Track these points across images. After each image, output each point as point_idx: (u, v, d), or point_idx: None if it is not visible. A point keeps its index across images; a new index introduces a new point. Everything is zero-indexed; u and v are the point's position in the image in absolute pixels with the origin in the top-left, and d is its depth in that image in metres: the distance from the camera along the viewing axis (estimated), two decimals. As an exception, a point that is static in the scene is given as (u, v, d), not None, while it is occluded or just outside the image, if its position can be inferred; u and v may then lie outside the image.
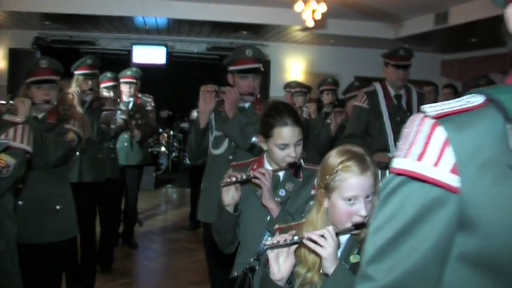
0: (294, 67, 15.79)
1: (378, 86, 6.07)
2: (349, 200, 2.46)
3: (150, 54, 14.48)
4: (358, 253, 2.49)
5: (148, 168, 12.14)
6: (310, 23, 10.73)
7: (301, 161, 3.44)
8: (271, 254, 2.38)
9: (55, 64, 4.71)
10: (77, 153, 5.95)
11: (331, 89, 7.92)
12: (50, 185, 4.50)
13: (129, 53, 14.42)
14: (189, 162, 14.15)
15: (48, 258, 4.45)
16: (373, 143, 5.62)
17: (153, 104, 8.84)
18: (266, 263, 2.46)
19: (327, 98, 7.94)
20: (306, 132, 6.69)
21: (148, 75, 13.93)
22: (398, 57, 5.93)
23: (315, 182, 2.78)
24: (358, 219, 2.46)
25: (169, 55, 14.62)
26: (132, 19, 12.83)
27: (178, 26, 13.68)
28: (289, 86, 8.91)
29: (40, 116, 4.61)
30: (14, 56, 13.31)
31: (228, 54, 13.28)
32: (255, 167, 3.42)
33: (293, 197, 3.17)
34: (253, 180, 3.23)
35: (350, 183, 2.44)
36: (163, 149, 14.19)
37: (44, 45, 13.80)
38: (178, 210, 10.70)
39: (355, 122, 5.95)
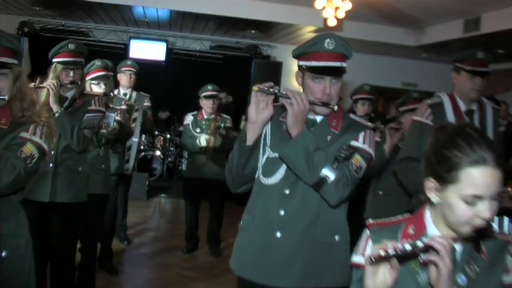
0: (301, 72, 14.30)
1: (444, 98, 4.55)
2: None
3: (148, 50, 13.39)
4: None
5: (141, 174, 10.68)
6: (332, 22, 9.31)
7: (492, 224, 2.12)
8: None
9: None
10: (50, 164, 4.43)
11: (368, 98, 6.58)
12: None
13: (126, 47, 13.36)
14: (185, 168, 12.85)
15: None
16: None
17: (149, 103, 7.58)
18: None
19: (362, 109, 6.47)
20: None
21: (145, 72, 12.99)
22: (476, 61, 4.42)
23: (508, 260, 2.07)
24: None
25: (169, 52, 13.52)
26: (130, 9, 11.48)
27: (181, 21, 12.32)
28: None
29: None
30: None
31: (233, 54, 12.43)
32: (411, 231, 2.11)
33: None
34: (425, 258, 1.96)
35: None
36: (158, 153, 12.66)
37: (31, 32, 12.36)
38: (172, 225, 9.14)
39: (414, 142, 4.38)
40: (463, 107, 4.47)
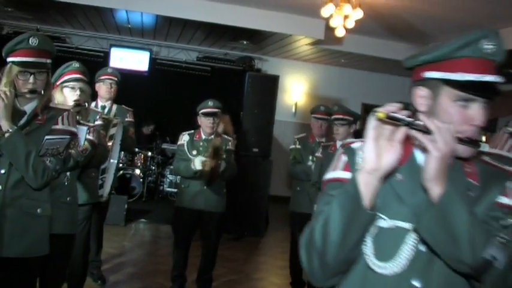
0: (294, 87, 13.38)
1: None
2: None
3: (130, 59, 12.58)
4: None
5: (118, 197, 9.30)
6: (340, 32, 8.11)
7: None
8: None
9: None
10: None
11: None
12: None
13: (106, 55, 12.47)
14: (168, 188, 11.53)
15: None
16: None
17: (131, 119, 6.50)
18: None
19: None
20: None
21: (126, 83, 11.83)
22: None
23: None
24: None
25: (152, 62, 12.67)
26: (113, 13, 10.43)
27: (167, 28, 11.33)
28: (318, 111, 6.32)
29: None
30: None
31: (222, 66, 11.29)
32: None
33: None
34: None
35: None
36: (137, 171, 11.30)
37: (2, 37, 11.12)
38: (153, 257, 7.72)
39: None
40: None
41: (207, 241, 6.17)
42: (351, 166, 1.86)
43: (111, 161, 5.43)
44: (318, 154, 5.67)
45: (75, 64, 4.40)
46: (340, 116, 5.48)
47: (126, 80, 12.00)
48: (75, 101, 4.18)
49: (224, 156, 5.85)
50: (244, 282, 6.93)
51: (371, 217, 1.71)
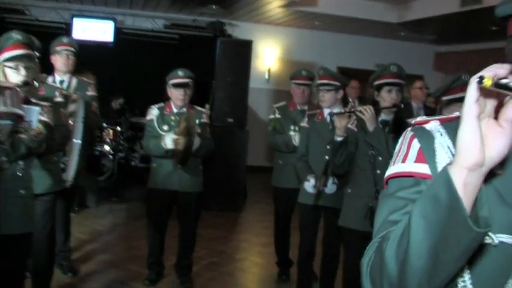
0: (267, 53, 12.87)
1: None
2: None
3: (94, 30, 11.89)
4: None
5: (88, 177, 8.68)
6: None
7: None
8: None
9: None
10: None
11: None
12: None
13: (68, 27, 11.73)
14: (140, 164, 10.95)
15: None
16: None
17: (94, 92, 5.82)
18: None
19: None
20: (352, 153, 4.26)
21: (91, 55, 11.43)
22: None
23: None
24: None
25: (118, 32, 11.99)
26: None
27: None
28: (300, 76, 5.75)
29: None
30: None
31: (191, 33, 10.46)
32: None
33: None
34: None
35: None
36: (107, 148, 10.64)
37: None
38: (128, 242, 7.07)
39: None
40: None
41: (185, 224, 5.62)
42: (427, 156, 1.28)
43: (74, 141, 4.84)
44: (304, 124, 5.09)
45: (16, 35, 3.57)
46: (326, 81, 4.87)
47: (91, 52, 11.56)
48: (22, 82, 3.50)
49: (199, 130, 5.27)
50: (226, 265, 6.42)
51: (479, 237, 1.08)
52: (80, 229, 7.15)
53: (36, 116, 3.44)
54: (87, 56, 11.16)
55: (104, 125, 10.74)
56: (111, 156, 10.63)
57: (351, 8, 10.51)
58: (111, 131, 10.89)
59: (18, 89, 3.09)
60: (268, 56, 12.84)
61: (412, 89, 7.62)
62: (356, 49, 13.06)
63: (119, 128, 11.01)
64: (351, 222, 4.24)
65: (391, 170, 1.34)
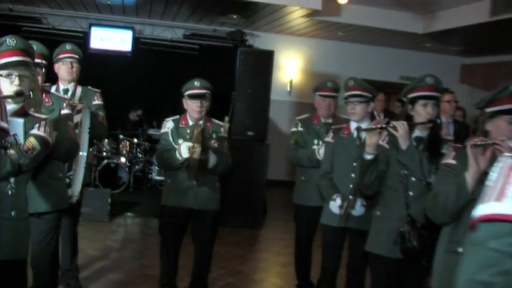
0: (288, 64, 12.54)
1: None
2: None
3: (112, 39, 11.73)
4: None
5: (101, 190, 8.38)
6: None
7: None
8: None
9: None
10: None
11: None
12: None
13: (85, 36, 11.62)
14: (157, 177, 10.68)
15: None
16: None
17: (100, 101, 5.44)
18: None
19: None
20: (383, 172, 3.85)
21: (109, 65, 11.08)
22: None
23: None
24: None
25: (136, 41, 11.83)
26: None
27: (149, 5, 10.59)
28: (325, 88, 5.40)
29: None
30: None
31: (211, 43, 10.37)
32: None
33: None
34: None
35: None
36: (123, 160, 10.36)
37: None
38: (141, 259, 6.71)
39: None
40: None
41: (200, 244, 5.22)
42: None
43: (80, 153, 4.48)
44: (329, 139, 4.69)
45: (10, 40, 3.20)
46: (358, 92, 4.47)
47: (108, 61, 11.32)
48: (14, 92, 3.13)
49: (216, 145, 4.90)
50: (243, 286, 6.03)
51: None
52: (91, 245, 6.80)
53: (21, 130, 3.09)
54: (105, 66, 11.00)
55: (121, 136, 10.49)
56: (127, 169, 10.35)
57: (375, 18, 10.20)
58: (128, 143, 10.62)
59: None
60: (290, 67, 12.51)
61: (440, 103, 7.21)
62: (380, 61, 12.74)
63: (135, 140, 10.74)
64: (379, 247, 3.83)
65: (482, 210, 0.97)
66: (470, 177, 2.92)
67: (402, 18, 10.20)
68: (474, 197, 2.94)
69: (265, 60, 8.73)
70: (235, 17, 10.60)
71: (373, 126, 3.77)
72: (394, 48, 12.77)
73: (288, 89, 12.65)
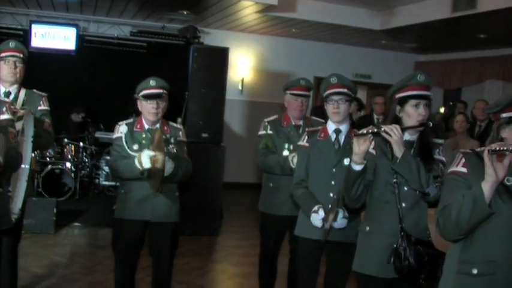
0: (240, 62, 12.11)
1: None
2: None
3: (54, 37, 11.05)
4: None
5: (45, 200, 7.73)
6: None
7: None
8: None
9: None
10: None
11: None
12: None
13: (25, 34, 10.86)
14: (104, 182, 10.04)
15: None
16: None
17: (46, 106, 4.79)
18: None
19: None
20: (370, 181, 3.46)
21: (51, 65, 10.41)
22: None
23: None
24: None
25: (80, 39, 11.21)
26: None
27: (95, 1, 9.96)
28: (298, 86, 5.01)
29: None
30: None
31: (159, 41, 9.30)
32: None
33: None
34: None
35: None
36: (68, 165, 9.67)
37: None
38: (92, 275, 6.11)
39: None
40: None
41: (158, 260, 4.67)
42: None
43: (22, 166, 3.87)
44: (303, 142, 4.17)
45: None
46: (344, 90, 3.98)
47: (51, 61, 10.60)
48: None
49: (174, 151, 4.37)
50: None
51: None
52: (35, 262, 6.18)
53: None
54: (47, 65, 10.30)
55: (66, 140, 9.82)
56: (72, 174, 9.66)
57: (332, 14, 9.85)
58: (73, 147, 9.93)
59: None
60: (242, 65, 12.05)
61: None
62: (333, 58, 12.40)
63: (81, 144, 10.06)
64: (369, 267, 3.35)
65: None
66: (488, 187, 2.48)
67: (360, 14, 9.93)
68: (492, 210, 2.52)
69: (220, 58, 8.19)
70: (185, 13, 10.06)
71: (365, 132, 3.26)
72: (348, 45, 12.52)
73: (240, 87, 12.16)
